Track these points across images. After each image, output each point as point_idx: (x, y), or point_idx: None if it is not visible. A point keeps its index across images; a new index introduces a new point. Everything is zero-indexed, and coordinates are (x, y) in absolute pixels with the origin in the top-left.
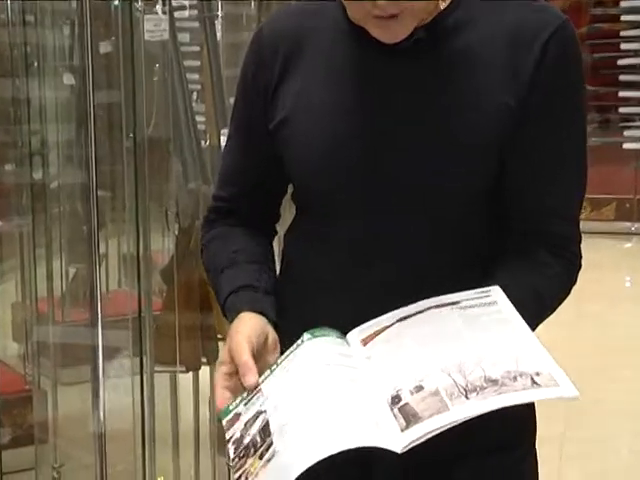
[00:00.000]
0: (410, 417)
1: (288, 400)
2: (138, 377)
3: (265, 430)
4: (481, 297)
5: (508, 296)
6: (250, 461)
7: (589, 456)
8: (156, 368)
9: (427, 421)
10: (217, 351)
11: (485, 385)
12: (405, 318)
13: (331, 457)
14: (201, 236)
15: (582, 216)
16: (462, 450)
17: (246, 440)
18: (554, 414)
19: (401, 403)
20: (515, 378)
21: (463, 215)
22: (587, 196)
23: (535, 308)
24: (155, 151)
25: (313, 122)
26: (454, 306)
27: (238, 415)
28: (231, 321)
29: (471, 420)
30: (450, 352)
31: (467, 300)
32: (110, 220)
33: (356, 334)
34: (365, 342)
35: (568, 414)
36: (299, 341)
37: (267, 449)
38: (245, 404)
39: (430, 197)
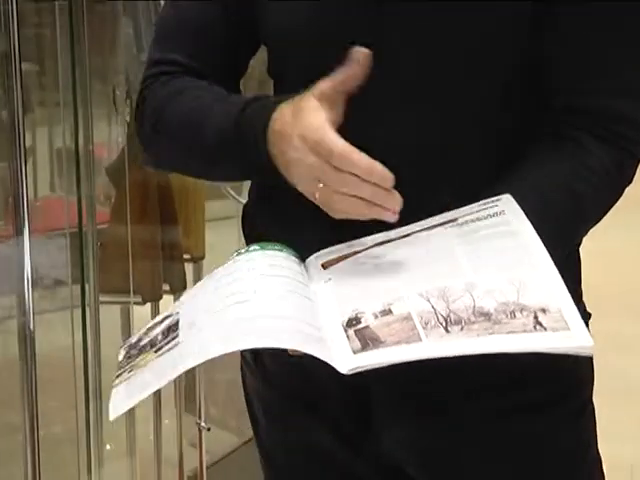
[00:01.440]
0: (368, 340)
1: (208, 302)
2: (79, 311)
3: (172, 328)
4: (486, 208)
5: (531, 194)
6: (142, 356)
7: None
8: (102, 298)
9: (389, 349)
10: (183, 276)
11: (473, 319)
12: (383, 243)
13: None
14: (145, 95)
15: None
16: (503, 405)
17: (143, 342)
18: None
19: (359, 326)
20: (513, 314)
21: (485, 98)
22: None
23: (569, 211)
24: (97, 9)
25: None
26: (449, 225)
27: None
28: (254, 131)
29: (513, 368)
30: (434, 274)
31: (467, 215)
32: (38, 103)
33: (317, 258)
34: (327, 265)
35: None
36: (242, 250)
37: (168, 343)
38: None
39: (447, 65)
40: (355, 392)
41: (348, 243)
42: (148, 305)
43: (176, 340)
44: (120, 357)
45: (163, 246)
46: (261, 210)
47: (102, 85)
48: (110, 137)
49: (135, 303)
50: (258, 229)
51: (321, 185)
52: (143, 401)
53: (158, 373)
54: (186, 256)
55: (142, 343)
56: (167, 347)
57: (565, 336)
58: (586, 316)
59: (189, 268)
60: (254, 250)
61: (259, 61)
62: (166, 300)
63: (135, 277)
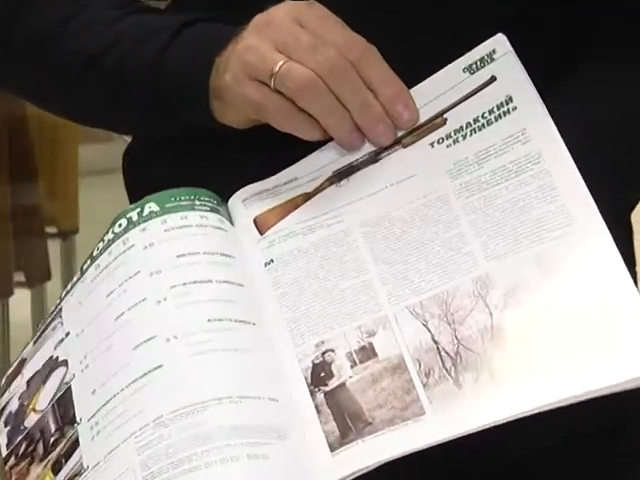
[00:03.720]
0: (347, 418)
1: (104, 355)
2: None
3: (65, 409)
4: (478, 89)
5: (578, 110)
6: (35, 470)
7: None
8: None
9: (380, 438)
10: (46, 261)
11: (491, 351)
12: (342, 176)
13: None
14: None
15: None
16: (553, 443)
17: (29, 421)
18: None
19: (331, 384)
20: None
21: None
22: None
23: (629, 133)
24: None
25: None
26: (433, 129)
27: (23, 361)
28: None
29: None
30: (426, 260)
31: (458, 110)
32: None
33: (245, 204)
34: (264, 225)
35: None
36: (133, 213)
37: (68, 455)
38: (38, 334)
39: None
40: None
41: (290, 173)
42: None
43: (78, 459)
44: (2, 447)
45: (15, 215)
46: (156, 147)
47: None
48: None
49: None
50: (153, 174)
51: (282, 62)
52: None
53: None
54: (50, 230)
55: (27, 424)
56: (67, 470)
57: (618, 367)
58: None
59: (55, 247)
60: (150, 218)
61: None
62: (19, 298)
63: None
